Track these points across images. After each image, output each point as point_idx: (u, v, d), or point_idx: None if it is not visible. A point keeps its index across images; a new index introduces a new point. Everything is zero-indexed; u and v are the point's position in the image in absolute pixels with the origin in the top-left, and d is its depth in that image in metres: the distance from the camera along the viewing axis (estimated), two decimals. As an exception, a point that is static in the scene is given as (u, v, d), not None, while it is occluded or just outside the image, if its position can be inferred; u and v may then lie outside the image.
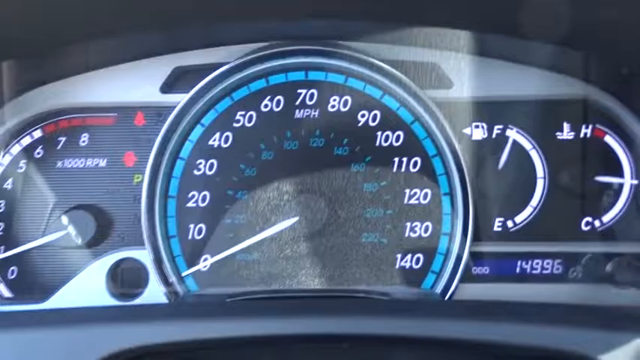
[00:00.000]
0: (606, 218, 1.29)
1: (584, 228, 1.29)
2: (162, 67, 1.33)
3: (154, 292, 1.28)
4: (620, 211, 1.29)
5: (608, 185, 1.29)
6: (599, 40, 1.17)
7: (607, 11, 1.07)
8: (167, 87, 1.33)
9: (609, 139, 1.30)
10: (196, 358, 1.15)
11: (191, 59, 1.33)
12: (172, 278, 1.28)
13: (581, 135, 1.30)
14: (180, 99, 1.30)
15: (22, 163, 1.33)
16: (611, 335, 1.01)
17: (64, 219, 1.29)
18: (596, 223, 1.29)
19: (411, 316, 1.05)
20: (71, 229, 1.28)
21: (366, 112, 1.31)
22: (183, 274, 1.29)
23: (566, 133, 1.30)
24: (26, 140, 1.33)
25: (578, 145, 1.29)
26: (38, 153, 1.33)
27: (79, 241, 1.29)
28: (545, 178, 1.28)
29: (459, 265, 1.26)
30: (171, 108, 1.30)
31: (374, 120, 1.31)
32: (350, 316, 1.02)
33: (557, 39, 1.19)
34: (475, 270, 1.28)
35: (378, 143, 1.30)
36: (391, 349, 1.11)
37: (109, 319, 1.01)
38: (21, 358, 0.94)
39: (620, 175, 1.29)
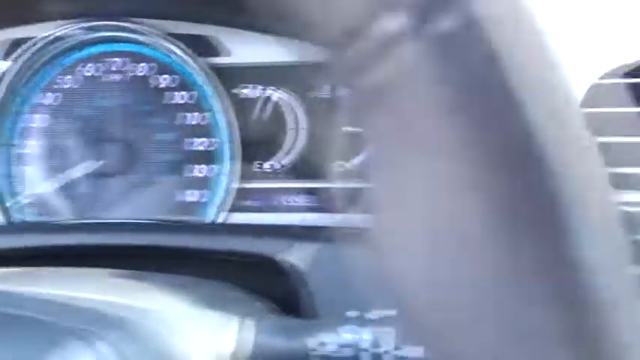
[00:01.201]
0: (355, 161, 1.56)
1: (330, 169, 1.56)
2: (4, 38, 1.63)
3: (-17, 222, 1.58)
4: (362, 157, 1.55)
5: (355, 135, 1.56)
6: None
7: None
8: (6, 56, 1.62)
9: (358, 98, 1.57)
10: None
11: (24, 32, 1.62)
12: (-4, 211, 1.58)
13: (334, 93, 1.57)
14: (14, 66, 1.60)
15: None
16: (315, 246, 1.31)
17: None
18: (343, 165, 1.56)
19: (182, 232, 1.40)
20: None
21: (159, 77, 1.59)
22: (7, 204, 1.58)
23: (321, 92, 1.57)
24: None
25: (330, 102, 1.56)
26: None
27: None
28: (296, 129, 1.56)
29: (229, 198, 1.54)
30: (7, 72, 1.60)
31: (166, 82, 1.59)
32: (137, 233, 1.36)
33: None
34: (242, 203, 1.56)
35: (169, 102, 1.59)
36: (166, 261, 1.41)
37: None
38: None
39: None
